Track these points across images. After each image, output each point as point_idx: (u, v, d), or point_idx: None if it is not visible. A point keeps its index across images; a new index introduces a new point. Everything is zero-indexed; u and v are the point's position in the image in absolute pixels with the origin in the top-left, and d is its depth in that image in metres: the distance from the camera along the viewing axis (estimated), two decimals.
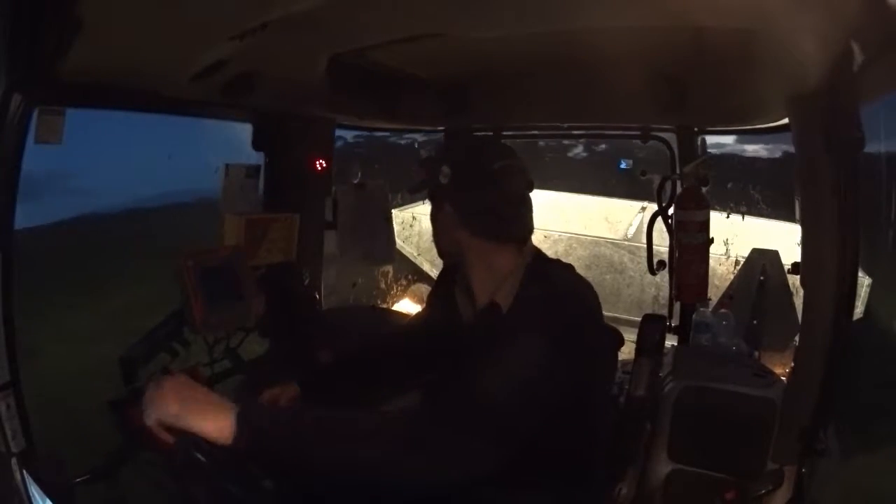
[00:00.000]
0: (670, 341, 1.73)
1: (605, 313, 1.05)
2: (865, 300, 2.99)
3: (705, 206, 1.77)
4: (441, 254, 1.16)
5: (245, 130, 1.66)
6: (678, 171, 1.88)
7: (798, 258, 1.30)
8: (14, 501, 0.84)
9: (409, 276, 4.83)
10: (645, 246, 2.05)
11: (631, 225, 5.29)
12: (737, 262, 3.36)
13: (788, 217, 4.01)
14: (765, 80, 1.23)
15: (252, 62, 1.15)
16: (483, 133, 2.16)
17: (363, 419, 0.86)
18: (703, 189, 1.79)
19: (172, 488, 0.86)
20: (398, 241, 4.23)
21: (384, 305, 3.95)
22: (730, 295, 2.08)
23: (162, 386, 0.82)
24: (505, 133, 2.13)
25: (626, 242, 4.68)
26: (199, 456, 0.77)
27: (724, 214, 3.69)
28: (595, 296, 1.02)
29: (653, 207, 2.00)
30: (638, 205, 5.48)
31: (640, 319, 1.34)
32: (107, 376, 1.14)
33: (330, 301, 2.08)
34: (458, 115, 1.80)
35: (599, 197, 6.06)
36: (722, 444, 1.34)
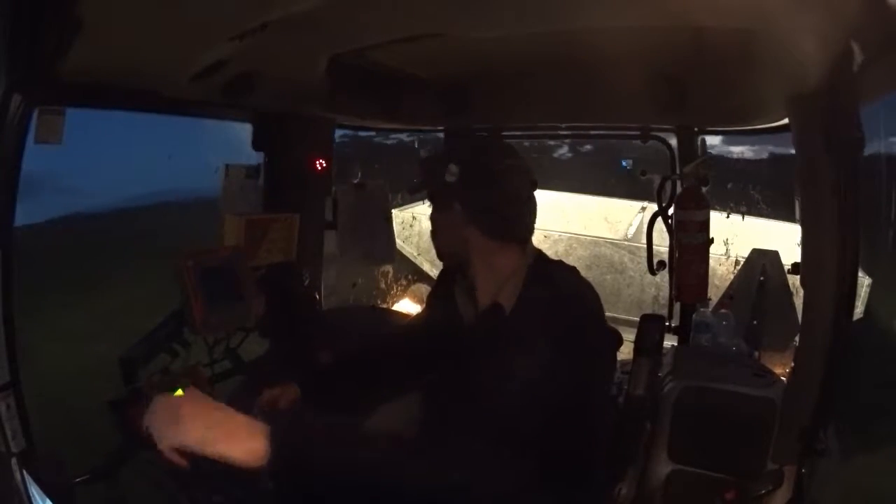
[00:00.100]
0: (670, 341, 1.74)
1: (605, 313, 1.05)
2: (865, 300, 2.99)
3: (705, 206, 1.77)
4: (441, 255, 1.16)
5: (245, 130, 1.66)
6: (678, 171, 1.88)
7: (798, 258, 1.30)
8: (14, 501, 0.84)
9: (409, 276, 4.84)
10: (645, 246, 2.05)
11: (631, 225, 5.29)
12: (737, 262, 3.36)
13: (788, 217, 4.01)
14: (765, 80, 1.23)
15: (252, 62, 1.15)
16: (485, 132, 2.16)
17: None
18: (703, 189, 1.79)
19: (172, 488, 0.86)
20: (398, 241, 4.23)
21: (384, 305, 3.95)
22: (730, 295, 2.08)
23: (176, 407, 0.74)
24: (505, 133, 2.13)
25: (626, 242, 4.68)
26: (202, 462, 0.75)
27: (724, 214, 3.69)
28: (597, 297, 1.02)
29: (653, 207, 2.00)
30: (638, 205, 5.49)
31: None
32: (106, 376, 1.14)
33: (330, 301, 2.08)
34: (458, 115, 1.80)
35: (599, 197, 6.07)
36: (722, 444, 1.33)
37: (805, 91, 1.11)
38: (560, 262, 1.09)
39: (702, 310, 1.82)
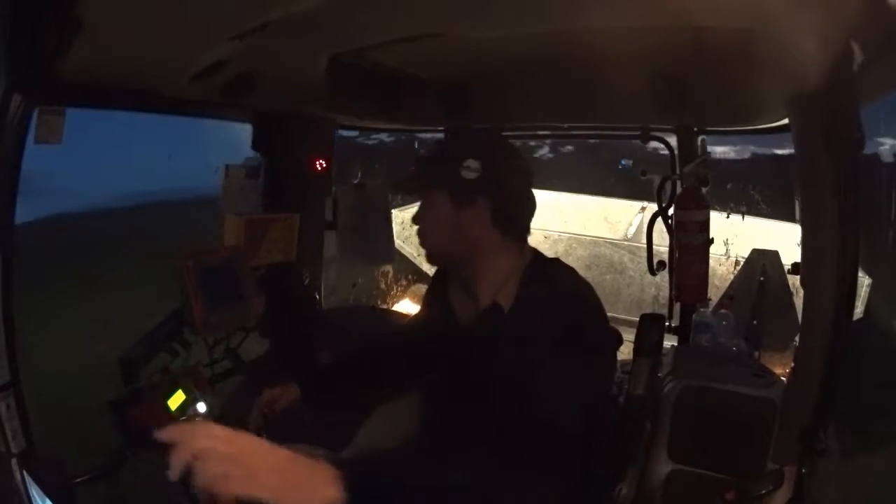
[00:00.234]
0: (670, 341, 1.74)
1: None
2: (865, 300, 2.98)
3: (705, 206, 1.77)
4: (432, 257, 1.11)
5: (245, 130, 1.67)
6: (678, 171, 1.88)
7: (798, 258, 1.30)
8: (14, 501, 0.84)
9: (409, 276, 4.83)
10: (645, 246, 2.04)
11: (631, 225, 5.30)
12: (737, 262, 3.36)
13: (788, 217, 4.01)
14: (765, 80, 1.23)
15: (252, 62, 1.15)
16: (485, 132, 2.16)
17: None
18: (703, 189, 1.79)
19: (172, 488, 0.86)
20: (398, 241, 4.22)
21: (384, 306, 3.95)
22: (730, 295, 2.07)
23: (242, 454, 0.65)
24: (505, 133, 2.12)
25: (626, 242, 4.69)
26: None
27: (724, 215, 3.68)
28: (595, 296, 1.02)
29: (653, 207, 1.99)
30: (638, 205, 5.50)
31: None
32: (106, 376, 1.14)
33: (330, 301, 2.09)
34: (458, 115, 1.80)
35: (599, 197, 6.07)
36: (722, 444, 1.33)
37: (805, 91, 1.11)
38: (557, 261, 1.09)
39: (702, 310, 1.81)
